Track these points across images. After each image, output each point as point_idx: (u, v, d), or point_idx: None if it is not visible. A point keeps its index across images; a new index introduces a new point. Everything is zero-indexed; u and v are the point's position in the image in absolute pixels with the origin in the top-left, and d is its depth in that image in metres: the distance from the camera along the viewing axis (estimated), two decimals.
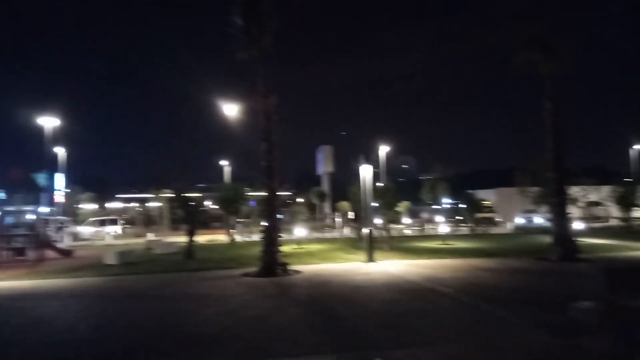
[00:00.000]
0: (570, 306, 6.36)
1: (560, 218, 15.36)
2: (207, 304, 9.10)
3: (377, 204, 21.53)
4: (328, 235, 30.18)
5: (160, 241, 23.98)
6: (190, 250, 17.92)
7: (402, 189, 29.97)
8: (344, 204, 34.79)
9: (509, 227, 33.62)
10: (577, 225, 23.03)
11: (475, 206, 30.81)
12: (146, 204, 51.61)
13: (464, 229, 30.45)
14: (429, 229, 33.56)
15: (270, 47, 13.39)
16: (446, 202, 30.71)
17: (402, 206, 32.95)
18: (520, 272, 12.99)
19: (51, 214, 33.28)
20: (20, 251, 19.59)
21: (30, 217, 22.48)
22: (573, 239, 15.29)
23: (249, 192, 28.74)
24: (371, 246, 15.50)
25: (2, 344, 6.20)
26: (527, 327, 7.04)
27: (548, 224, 17.73)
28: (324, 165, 52.59)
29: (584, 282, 9.41)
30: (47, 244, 20.90)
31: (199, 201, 25.02)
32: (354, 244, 21.74)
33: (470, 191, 33.20)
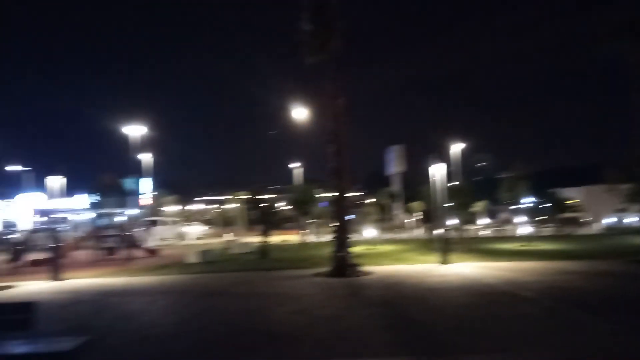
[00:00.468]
0: None
1: None
2: (282, 303, 9.34)
3: (451, 204, 20.93)
4: (399, 236, 29.77)
5: (237, 241, 24.95)
6: (264, 250, 18.49)
7: (478, 188, 28.87)
8: (416, 205, 34.14)
9: (597, 227, 31.21)
10: None
11: (559, 205, 28.95)
12: (224, 206, 54.00)
13: (547, 230, 28.70)
14: (508, 229, 32.01)
15: (339, 48, 13.49)
16: (526, 201, 29.11)
17: (479, 206, 31.74)
18: (609, 275, 12.02)
19: (138, 216, 35.81)
20: (111, 250, 21.27)
21: (120, 219, 24.31)
22: None
23: (319, 193, 29.12)
24: (445, 247, 15.08)
25: (97, 337, 6.76)
26: (619, 334, 6.50)
27: None
28: (395, 165, 51.93)
29: None
30: (135, 243, 22.50)
31: (273, 203, 25.76)
32: (426, 245, 21.27)
33: (552, 189, 31.21)
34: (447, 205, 17.08)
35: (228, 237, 33.75)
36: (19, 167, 48.23)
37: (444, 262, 14.77)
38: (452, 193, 20.66)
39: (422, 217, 34.41)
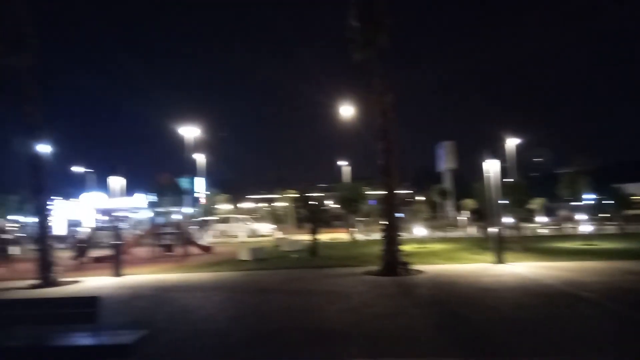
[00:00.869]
0: None
1: None
2: (331, 300, 9.37)
3: (506, 201, 20.19)
4: (451, 234, 29.07)
5: (287, 239, 25.28)
6: (314, 248, 18.61)
7: (535, 184, 27.71)
8: (468, 202, 33.24)
9: None
10: None
11: (623, 202, 27.23)
12: (273, 204, 54.88)
13: (610, 228, 27.09)
14: (567, 228, 30.48)
15: (386, 45, 13.33)
16: (588, 197, 27.59)
17: (536, 203, 30.46)
18: None
19: (193, 214, 37.08)
20: (168, 247, 22.14)
21: (176, 217, 25.29)
22: None
23: (368, 191, 28.96)
24: (500, 246, 14.56)
25: (156, 330, 7.06)
26: None
27: None
28: (446, 162, 50.84)
29: None
30: (191, 241, 23.30)
31: (321, 201, 25.89)
32: (480, 244, 20.64)
33: (616, 185, 29.42)
34: (501, 202, 16.50)
35: (278, 234, 34.34)
36: (82, 169, 51.27)
37: (499, 261, 14.28)
38: (507, 190, 19.95)
39: (474, 214, 33.47)
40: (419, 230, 22.75)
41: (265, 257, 18.18)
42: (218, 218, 39.52)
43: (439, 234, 28.41)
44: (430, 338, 6.57)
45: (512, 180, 24.71)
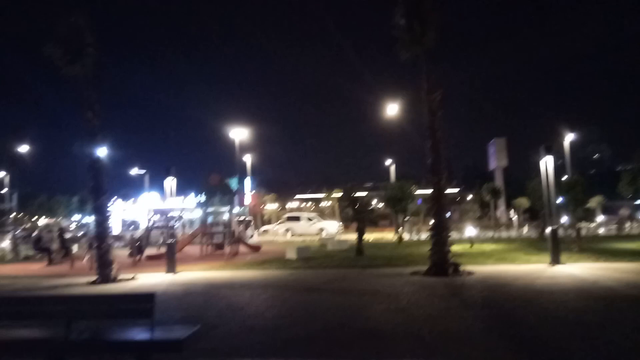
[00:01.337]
0: None
1: None
2: (378, 300, 9.30)
3: (563, 200, 19.32)
4: (503, 234, 28.13)
5: (333, 238, 25.32)
6: (360, 247, 18.53)
7: (593, 182, 26.34)
8: (521, 201, 32.02)
9: None
10: None
11: None
12: (319, 203, 55.16)
13: None
14: (630, 227, 28.78)
15: (434, 42, 13.09)
16: None
17: (594, 202, 28.97)
18: None
19: (242, 213, 37.88)
20: (219, 246, 22.73)
21: (225, 217, 25.93)
22: None
23: (415, 190, 28.54)
24: (556, 247, 13.94)
25: (208, 326, 7.26)
26: None
27: None
28: (497, 159, 49.22)
29: None
30: (240, 240, 23.82)
31: (367, 200, 25.77)
32: (534, 245, 19.88)
33: None
34: (558, 201, 15.79)
35: (324, 234, 34.45)
36: (138, 171, 53.60)
37: (555, 262, 13.67)
38: (563, 188, 19.10)
39: (528, 214, 32.24)
40: (469, 230, 22.18)
41: (311, 256, 18.30)
42: (287, 216, 39.75)
43: (490, 234, 27.59)
44: (482, 340, 6.38)
45: (569, 177, 23.60)
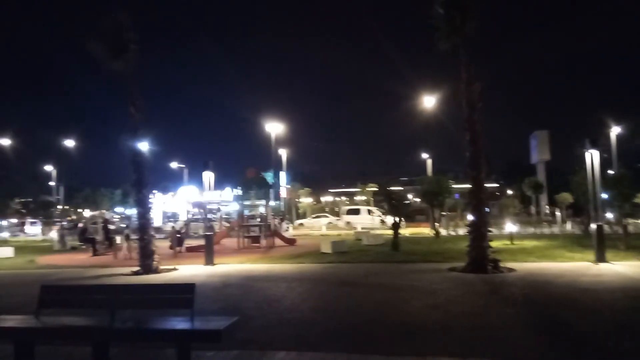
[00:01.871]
0: None
1: None
2: (415, 296, 9.18)
3: (608, 195, 18.49)
4: (545, 230, 27.24)
5: (368, 233, 25.21)
6: (395, 242, 18.35)
7: None
8: (565, 196, 30.92)
9: None
10: None
11: None
12: (354, 197, 55.00)
13: None
14: None
15: (474, 31, 12.75)
16: None
17: None
18: None
19: (277, 207, 38.28)
20: (255, 239, 23.05)
21: (262, 210, 26.26)
22: None
23: (453, 184, 28.01)
24: (601, 244, 13.37)
25: (245, 318, 7.36)
26: None
27: None
28: (539, 153, 47.67)
29: None
30: (276, 233, 24.06)
31: (402, 194, 25.49)
32: (578, 242, 19.15)
33: None
34: (603, 196, 15.12)
35: (358, 228, 34.32)
36: (177, 164, 54.98)
37: (600, 260, 13.12)
38: (609, 182, 18.30)
39: (571, 209, 31.09)
40: (509, 226, 21.58)
41: (346, 250, 18.27)
42: (348, 209, 39.78)
43: (531, 230, 26.79)
44: (523, 339, 6.19)
45: (615, 172, 22.56)
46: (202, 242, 17.54)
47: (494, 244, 13.05)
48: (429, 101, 30.59)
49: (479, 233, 12.57)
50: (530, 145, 52.63)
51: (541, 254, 15.68)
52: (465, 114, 12.99)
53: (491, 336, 6.35)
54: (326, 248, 18.39)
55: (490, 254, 12.48)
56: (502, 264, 12.41)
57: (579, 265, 12.86)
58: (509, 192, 51.54)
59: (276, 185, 41.52)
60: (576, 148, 15.27)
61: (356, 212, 38.29)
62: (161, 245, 20.39)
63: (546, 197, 42.23)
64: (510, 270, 12.17)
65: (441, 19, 12.87)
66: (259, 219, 24.20)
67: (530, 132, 52.43)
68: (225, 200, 40.12)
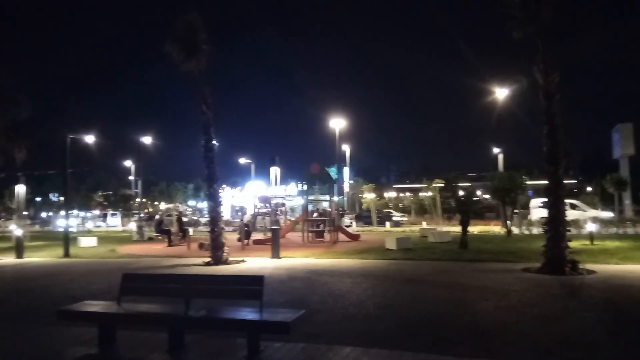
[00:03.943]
0: None
1: None
2: (485, 297, 8.83)
3: None
4: (629, 230, 25.19)
5: (434, 230, 24.63)
6: (464, 240, 17.75)
7: None
8: None
9: None
10: None
11: None
12: (419, 194, 53.92)
13: None
14: None
15: (550, 18, 11.99)
16: None
17: None
18: None
19: (340, 202, 38.42)
20: (319, 234, 23.28)
21: (326, 205, 26.46)
22: None
23: (526, 180, 26.62)
24: None
25: (310, 311, 7.44)
26: None
27: None
28: (622, 147, 44.16)
29: None
30: (340, 228, 24.16)
31: (471, 191, 24.58)
32: None
33: None
34: None
35: (424, 225, 33.62)
36: (245, 160, 56.72)
37: None
38: None
39: None
40: (589, 225, 20.18)
41: (411, 247, 17.96)
42: (540, 203, 37.11)
43: (614, 229, 24.89)
44: (606, 346, 5.75)
45: None
46: (268, 235, 17.97)
47: (572, 243, 12.26)
48: (501, 93, 29.27)
49: (556, 232, 11.84)
50: (613, 139, 48.86)
51: (624, 255, 14.51)
52: (542, 106, 12.27)
53: (569, 342, 5.96)
54: (391, 244, 18.17)
55: (569, 255, 11.73)
56: (581, 266, 11.62)
57: None
58: (589, 188, 48.22)
59: (339, 181, 41.64)
60: None
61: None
62: (230, 237, 21.20)
63: (629, 194, 39.01)
64: (590, 272, 11.38)
65: (515, 6, 12.22)
66: (315, 214, 24.39)
67: (613, 125, 48.66)
68: (290, 194, 40.84)
